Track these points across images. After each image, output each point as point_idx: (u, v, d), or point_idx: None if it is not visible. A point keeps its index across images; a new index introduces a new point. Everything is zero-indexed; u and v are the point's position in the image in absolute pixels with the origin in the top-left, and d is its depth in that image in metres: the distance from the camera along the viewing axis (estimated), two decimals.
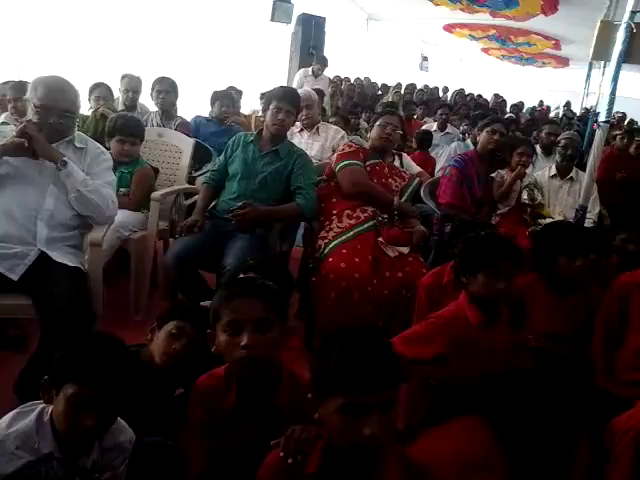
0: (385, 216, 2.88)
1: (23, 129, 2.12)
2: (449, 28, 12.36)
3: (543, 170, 3.83)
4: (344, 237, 2.74)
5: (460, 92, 10.35)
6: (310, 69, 7.91)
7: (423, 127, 5.96)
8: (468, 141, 4.71)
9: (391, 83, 10.51)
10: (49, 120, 2.18)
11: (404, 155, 3.65)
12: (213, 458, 1.48)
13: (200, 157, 3.72)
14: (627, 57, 3.06)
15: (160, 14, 8.77)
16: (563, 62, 14.88)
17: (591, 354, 2.11)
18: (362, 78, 11.01)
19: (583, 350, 2.15)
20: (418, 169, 3.81)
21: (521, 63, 16.16)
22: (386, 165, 3.10)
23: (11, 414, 1.32)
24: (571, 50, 12.26)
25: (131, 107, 4.26)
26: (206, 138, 4.14)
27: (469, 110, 7.78)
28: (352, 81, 10.46)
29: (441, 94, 11.76)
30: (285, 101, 2.87)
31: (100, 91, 4.09)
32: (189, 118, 4.48)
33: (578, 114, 10.43)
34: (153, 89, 4.13)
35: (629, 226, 2.71)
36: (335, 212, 2.88)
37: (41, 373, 1.31)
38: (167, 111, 4.13)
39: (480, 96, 11.30)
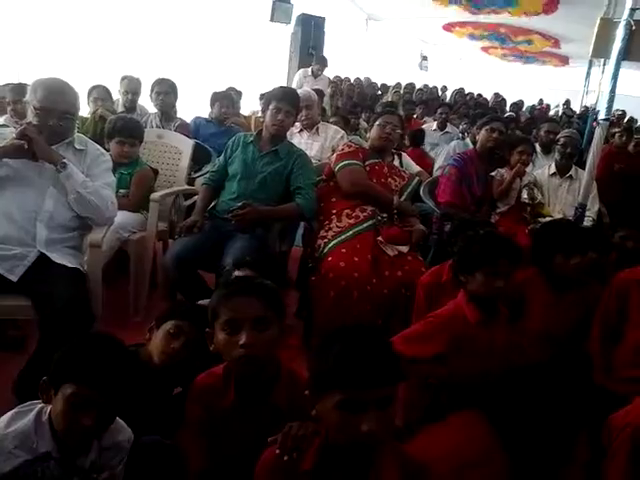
0: (384, 215, 2.88)
1: (23, 131, 2.13)
2: (449, 27, 12.36)
3: (543, 168, 3.83)
4: (343, 236, 2.74)
5: (460, 91, 10.36)
6: (310, 69, 7.92)
7: (423, 126, 5.97)
8: (467, 140, 4.71)
9: (391, 83, 10.51)
10: (49, 122, 2.18)
11: (404, 155, 3.65)
12: (212, 456, 1.48)
13: (200, 158, 3.73)
14: (627, 54, 3.06)
15: (159, 15, 8.78)
16: (563, 60, 14.88)
17: (589, 351, 2.11)
18: (362, 78, 11.02)
19: (580, 347, 2.15)
20: (418, 168, 3.81)
21: (521, 62, 16.16)
22: (385, 165, 3.10)
23: (9, 414, 1.32)
24: (571, 48, 12.26)
25: (131, 109, 4.27)
26: (206, 139, 4.15)
27: (469, 109, 7.78)
28: (352, 81, 10.46)
29: (440, 93, 11.76)
30: (285, 101, 2.88)
31: (98, 92, 4.11)
32: (189, 119, 4.49)
33: (578, 112, 10.42)
34: (152, 90, 4.13)
35: (628, 223, 2.72)
36: (334, 212, 2.89)
37: (40, 374, 1.31)
38: (166, 112, 4.13)
39: (480, 95, 11.30)
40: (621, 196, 4.13)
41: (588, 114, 7.29)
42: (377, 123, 3.11)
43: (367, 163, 3.02)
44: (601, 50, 3.29)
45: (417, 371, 1.93)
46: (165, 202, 3.11)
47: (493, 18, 10.40)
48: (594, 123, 4.42)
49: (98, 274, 2.25)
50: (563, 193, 3.69)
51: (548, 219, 3.21)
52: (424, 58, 15.75)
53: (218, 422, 1.49)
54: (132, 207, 2.95)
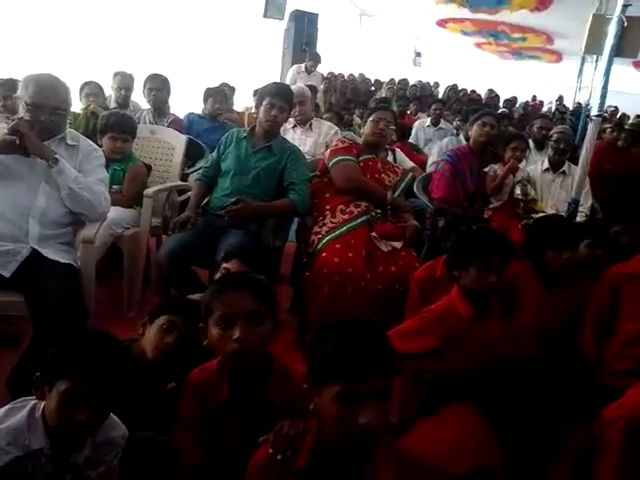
0: (378, 211, 2.89)
1: (14, 127, 2.12)
2: (442, 23, 12.37)
3: (536, 164, 3.84)
4: (337, 232, 2.75)
5: (453, 87, 10.34)
6: (303, 65, 7.90)
7: (416, 122, 5.97)
8: (461, 136, 4.72)
9: (384, 79, 10.50)
10: (40, 118, 2.17)
11: (397, 151, 3.65)
12: (206, 451, 1.48)
13: (193, 154, 3.72)
14: (619, 51, 3.06)
15: (152, 11, 8.73)
16: (556, 57, 14.92)
17: (581, 345, 2.12)
18: (355, 74, 11.00)
19: (573, 342, 2.16)
20: (411, 164, 3.82)
21: (515, 58, 16.19)
22: (379, 160, 3.10)
23: (2, 410, 1.32)
24: (564, 45, 12.29)
25: (123, 104, 4.25)
26: (199, 135, 4.13)
27: (462, 105, 7.78)
28: (345, 77, 10.45)
29: (432, 90, 11.76)
30: (278, 97, 2.87)
31: (90, 88, 4.09)
32: (182, 115, 4.47)
33: (571, 109, 10.46)
34: (145, 86, 4.12)
35: (622, 219, 2.73)
36: (328, 207, 2.89)
37: (33, 370, 1.31)
38: (159, 108, 4.12)
39: (474, 91, 11.31)
40: (613, 192, 4.14)
41: (581, 110, 7.33)
42: (370, 119, 3.11)
43: (361, 159, 3.02)
44: (593, 46, 3.30)
45: (411, 366, 1.94)
46: (158, 198, 3.10)
47: (487, 15, 10.41)
48: (587, 119, 4.44)
49: (91, 270, 2.24)
50: (556, 189, 3.70)
51: (541, 215, 3.21)
52: (418, 54, 15.76)
53: (212, 417, 1.49)
54: (125, 203, 2.95)
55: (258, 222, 2.79)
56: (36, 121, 2.17)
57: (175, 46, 9.08)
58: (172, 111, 4.30)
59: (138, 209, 2.99)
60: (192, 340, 1.60)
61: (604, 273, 2.23)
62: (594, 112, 3.24)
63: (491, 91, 11.20)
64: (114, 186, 2.90)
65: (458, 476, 1.46)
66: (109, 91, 4.43)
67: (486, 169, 3.46)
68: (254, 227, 2.74)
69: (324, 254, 2.61)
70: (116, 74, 4.33)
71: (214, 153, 3.02)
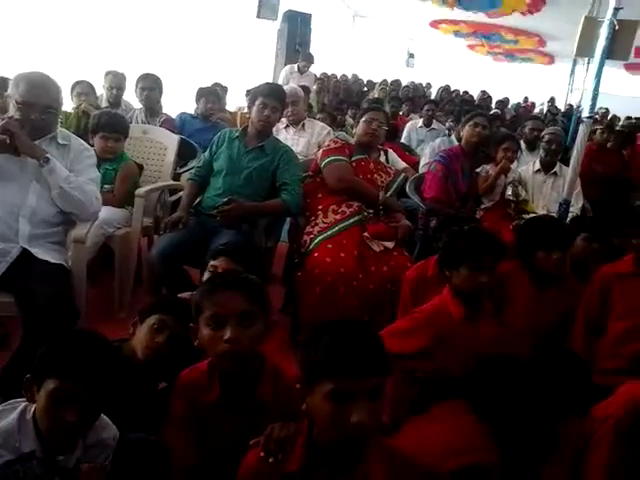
0: (370, 211, 2.89)
1: (5, 125, 2.10)
2: (435, 24, 12.39)
3: (527, 165, 3.86)
4: (330, 232, 2.75)
5: (446, 88, 10.37)
6: (296, 66, 7.90)
7: (408, 123, 5.99)
8: (453, 137, 4.73)
9: (377, 79, 10.52)
10: (31, 116, 2.16)
11: (390, 151, 3.66)
12: (197, 452, 1.47)
13: (185, 154, 3.71)
14: (610, 53, 3.08)
15: (145, 10, 8.70)
16: (548, 59, 14.98)
17: (572, 345, 2.13)
18: (349, 75, 11.01)
19: (563, 342, 2.18)
20: (404, 165, 3.82)
21: (507, 60, 16.24)
22: (372, 161, 3.11)
23: None
24: (556, 47, 12.34)
25: (115, 104, 4.24)
26: (191, 135, 4.12)
27: (455, 106, 7.80)
28: (338, 78, 10.46)
29: (424, 91, 11.78)
30: (271, 97, 2.87)
31: (82, 87, 4.07)
32: (174, 115, 4.46)
33: (562, 110, 10.51)
34: (137, 86, 4.10)
35: (612, 220, 2.75)
36: (321, 207, 2.89)
37: (24, 371, 1.30)
38: (151, 108, 4.10)
39: (466, 92, 11.34)
40: (604, 193, 4.17)
41: (572, 112, 7.36)
42: (363, 119, 3.12)
43: (353, 159, 3.03)
44: (585, 49, 3.31)
45: (403, 366, 1.94)
46: (150, 198, 3.09)
47: (479, 17, 10.44)
48: (579, 121, 4.47)
49: (82, 270, 2.23)
50: (547, 189, 3.72)
51: (532, 215, 3.23)
52: (411, 55, 15.78)
53: (203, 417, 1.48)
54: (117, 202, 2.93)
55: (250, 222, 2.78)
56: (27, 120, 2.16)
57: (168, 45, 9.06)
58: (164, 111, 4.28)
59: (130, 209, 2.98)
60: (183, 340, 1.59)
61: (595, 273, 2.25)
62: (585, 114, 3.26)
63: (484, 92, 11.24)
64: (105, 186, 2.88)
65: (451, 473, 1.47)
66: (101, 90, 4.41)
67: (478, 169, 3.48)
68: (246, 227, 2.74)
69: (316, 254, 2.62)
70: (108, 73, 4.31)
71: (206, 153, 3.01)
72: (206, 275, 2.01)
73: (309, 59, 7.95)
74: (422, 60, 15.98)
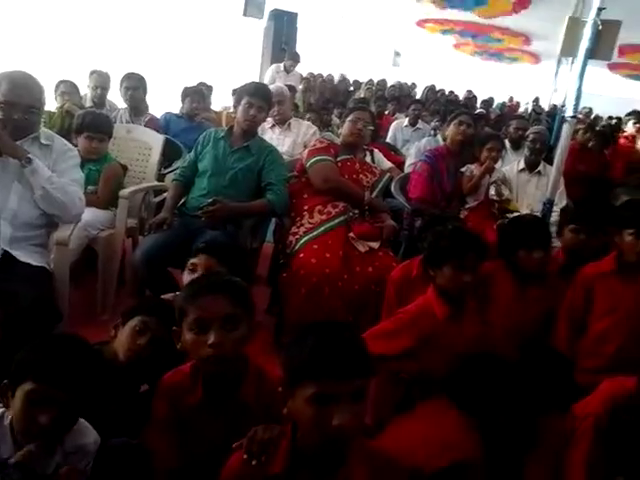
0: (356, 211, 2.89)
1: None
2: (422, 23, 12.42)
3: (512, 164, 3.89)
4: (315, 233, 2.75)
5: (431, 88, 10.41)
6: (282, 65, 7.90)
7: (394, 123, 6.00)
8: (439, 137, 4.75)
9: (364, 79, 10.54)
10: (13, 116, 2.14)
11: (375, 151, 3.67)
12: (180, 454, 1.47)
13: (170, 154, 3.69)
14: (593, 54, 3.11)
15: (130, 9, 8.65)
16: (534, 58, 15.07)
17: (555, 344, 2.15)
18: (335, 74, 11.01)
19: (546, 341, 2.20)
20: (389, 165, 3.83)
21: (493, 59, 16.32)
22: (357, 161, 3.11)
23: None
24: (542, 46, 12.41)
25: (99, 104, 4.21)
26: (176, 135, 4.10)
27: (440, 106, 7.84)
28: (324, 77, 10.47)
29: (409, 91, 11.80)
30: (257, 97, 2.87)
31: (65, 87, 4.05)
32: (160, 115, 4.44)
33: (547, 110, 10.58)
34: (121, 85, 4.08)
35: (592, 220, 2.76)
36: (306, 208, 2.89)
37: (3, 375, 1.28)
38: (136, 107, 4.08)
39: (452, 92, 11.39)
40: (586, 192, 4.21)
41: (556, 111, 7.41)
42: (349, 119, 3.12)
43: (339, 159, 3.03)
44: (569, 49, 3.33)
45: (388, 367, 1.95)
46: (134, 199, 3.07)
47: (466, 16, 10.48)
48: (562, 120, 4.50)
49: (65, 273, 2.22)
50: (532, 188, 3.75)
51: (516, 214, 3.25)
52: (397, 54, 15.82)
53: (186, 419, 1.48)
54: (101, 204, 2.91)
55: (235, 223, 2.77)
56: (9, 120, 2.14)
57: (154, 45, 9.01)
58: (150, 110, 4.26)
59: (114, 210, 2.95)
60: (166, 342, 1.58)
61: (578, 272, 2.27)
62: (568, 113, 3.29)
63: (469, 92, 11.30)
64: (89, 187, 2.86)
65: (436, 472, 1.48)
66: (85, 90, 4.38)
67: (463, 169, 3.49)
68: (231, 228, 2.72)
69: (301, 255, 2.61)
70: (92, 72, 4.28)
71: (191, 153, 3.00)
72: (186, 274, 1.99)
73: (295, 58, 7.95)
74: (408, 59, 16.02)
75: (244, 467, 1.21)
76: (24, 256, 2.09)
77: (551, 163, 3.48)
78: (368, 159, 3.32)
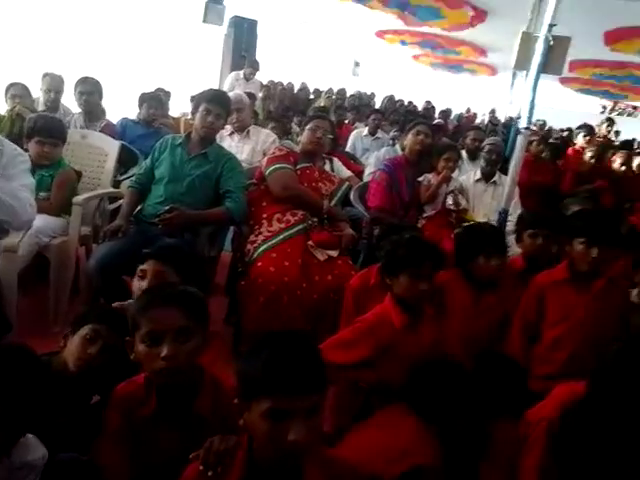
0: (315, 220, 2.89)
1: None
2: (381, 34, 12.58)
3: (468, 174, 3.96)
4: (274, 241, 2.74)
5: (390, 98, 10.52)
6: (242, 72, 7.88)
7: (354, 132, 6.04)
8: (397, 146, 4.80)
9: (324, 88, 10.60)
10: None
11: (335, 159, 3.69)
12: (133, 467, 1.43)
13: (126, 160, 3.63)
14: (545, 68, 3.21)
15: (87, 11, 8.48)
16: (491, 70, 15.43)
17: (509, 351, 2.19)
18: (296, 82, 11.04)
19: (497, 348, 2.23)
20: (349, 173, 3.85)
21: (452, 71, 16.64)
22: (316, 169, 3.12)
23: None
24: (498, 59, 12.71)
25: (53, 107, 4.09)
26: (133, 141, 4.04)
27: (399, 116, 7.93)
28: (284, 85, 10.48)
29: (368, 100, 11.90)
30: (215, 103, 2.85)
31: (16, 90, 3.92)
32: (117, 120, 4.36)
33: (503, 121, 10.83)
34: (76, 90, 3.99)
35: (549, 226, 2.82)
36: (265, 216, 2.88)
37: None
38: (91, 112, 4.00)
39: (411, 102, 11.54)
40: (541, 203, 4.32)
41: (512, 123, 7.60)
42: (308, 127, 3.13)
43: (298, 167, 3.03)
44: (523, 62, 3.42)
45: (346, 377, 1.95)
46: (88, 206, 3.01)
47: (425, 28, 10.65)
48: (517, 132, 4.61)
49: (13, 280, 2.15)
50: (488, 198, 3.82)
51: (472, 223, 3.31)
52: (356, 64, 15.97)
53: (140, 432, 1.44)
54: (53, 210, 2.83)
55: (193, 231, 2.74)
56: None
57: (111, 49, 8.86)
58: (107, 116, 4.18)
59: (67, 217, 2.88)
60: (118, 350, 1.53)
61: (532, 280, 2.31)
62: (522, 125, 3.38)
63: (428, 102, 11.48)
64: (41, 193, 2.78)
65: (396, 478, 1.48)
66: (36, 93, 4.26)
67: (420, 179, 3.53)
68: (188, 236, 2.69)
69: (259, 263, 2.60)
70: (45, 75, 4.16)
71: (148, 159, 2.96)
72: (136, 281, 1.93)
73: (255, 66, 7.94)
74: (368, 69, 16.20)
75: (200, 478, 1.19)
76: None
77: (507, 173, 3.56)
78: (327, 167, 3.34)
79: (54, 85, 4.13)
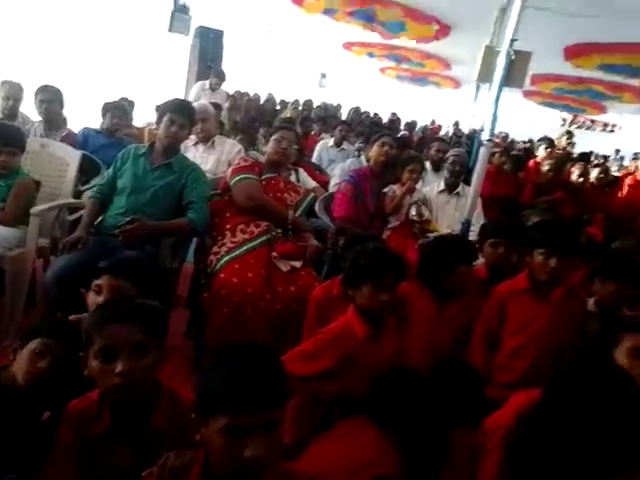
0: (279, 230, 2.88)
1: None
2: (348, 46, 12.69)
3: (432, 185, 4.00)
4: (237, 252, 2.71)
5: (356, 110, 10.59)
6: (207, 82, 7.84)
7: (320, 143, 6.06)
8: (362, 158, 4.83)
9: (290, 99, 10.62)
10: None
11: (300, 170, 3.69)
12: None
13: (88, 170, 3.56)
14: (507, 81, 3.30)
15: (50, 16, 8.33)
16: (455, 83, 15.71)
17: (470, 359, 2.21)
18: (262, 93, 11.04)
19: (459, 356, 2.25)
20: (314, 184, 3.86)
21: (417, 84, 16.88)
22: (282, 179, 3.11)
23: None
24: (462, 72, 12.94)
25: (11, 115, 4.00)
26: (95, 151, 3.96)
27: (365, 128, 7.99)
28: (251, 96, 10.47)
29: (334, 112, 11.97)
30: (179, 114, 2.82)
31: None
32: (79, 129, 4.28)
33: (467, 133, 11.02)
34: (36, 98, 3.91)
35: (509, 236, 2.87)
36: (228, 227, 2.85)
37: None
38: (51, 121, 3.91)
39: (376, 114, 11.65)
40: (503, 214, 4.39)
41: (475, 135, 7.74)
42: (274, 138, 3.13)
43: (263, 177, 3.02)
44: (485, 75, 3.51)
45: (307, 388, 1.94)
46: (47, 216, 2.93)
47: (391, 40, 10.79)
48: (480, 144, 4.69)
49: None
50: (451, 209, 3.87)
51: (436, 234, 3.34)
52: (323, 75, 16.09)
53: (93, 449, 1.40)
54: (8, 221, 2.75)
55: (154, 242, 2.70)
56: None
57: (74, 57, 8.72)
58: (69, 125, 4.10)
59: (24, 228, 2.80)
60: (70, 365, 1.48)
61: (493, 290, 2.34)
62: (485, 137, 3.44)
63: (393, 114, 11.60)
64: None
65: None
66: None
67: (385, 189, 3.56)
68: (150, 247, 2.65)
69: (222, 275, 2.57)
70: (3, 83, 4.06)
71: (110, 169, 2.90)
72: (91, 295, 1.87)
73: (220, 76, 7.91)
74: (334, 81, 16.32)
75: None
76: None
77: (470, 185, 3.61)
78: (293, 178, 3.34)
79: (12, 93, 4.04)
